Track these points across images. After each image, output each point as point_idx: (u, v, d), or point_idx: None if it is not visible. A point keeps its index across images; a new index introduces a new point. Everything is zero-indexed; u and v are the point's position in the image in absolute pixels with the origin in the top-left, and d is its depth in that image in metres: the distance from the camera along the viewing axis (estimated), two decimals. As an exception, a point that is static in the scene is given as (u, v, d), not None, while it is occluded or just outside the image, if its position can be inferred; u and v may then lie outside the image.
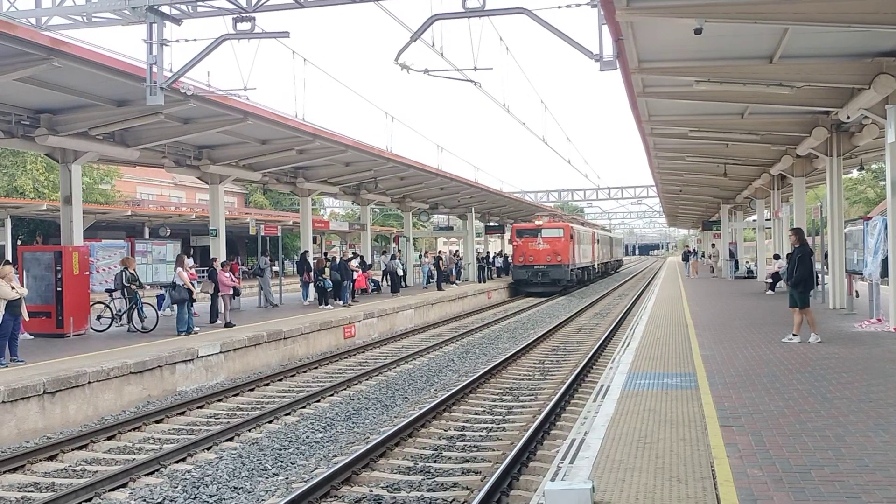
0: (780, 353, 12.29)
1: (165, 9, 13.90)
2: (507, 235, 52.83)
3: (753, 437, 7.13)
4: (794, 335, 13.39)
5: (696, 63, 15.13)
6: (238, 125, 19.31)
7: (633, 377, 10.53)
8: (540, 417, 11.36)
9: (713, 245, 49.44)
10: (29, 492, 9.16)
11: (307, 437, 11.40)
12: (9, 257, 27.56)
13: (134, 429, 12.06)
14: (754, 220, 40.18)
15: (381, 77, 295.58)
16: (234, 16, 13.95)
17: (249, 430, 11.76)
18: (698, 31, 11.64)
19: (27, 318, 14.75)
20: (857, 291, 19.72)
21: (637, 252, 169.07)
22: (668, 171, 34.12)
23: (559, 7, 14.11)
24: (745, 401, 8.71)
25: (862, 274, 16.85)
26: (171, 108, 16.39)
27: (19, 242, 36.23)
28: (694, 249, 62.96)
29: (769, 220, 33.48)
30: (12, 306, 13.67)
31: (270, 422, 12.34)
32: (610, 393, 9.56)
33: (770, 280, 27.16)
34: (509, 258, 50.08)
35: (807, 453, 6.56)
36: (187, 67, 14.65)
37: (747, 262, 41.84)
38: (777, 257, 28.11)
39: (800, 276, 13.29)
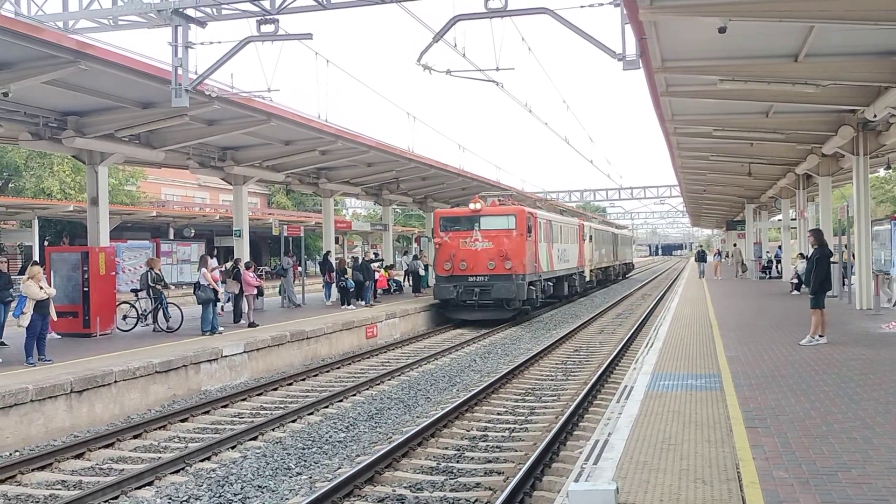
0: (805, 354, 12.17)
1: (190, 12, 14.04)
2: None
3: (779, 438, 7.08)
4: (821, 336, 13.25)
5: (720, 62, 15.03)
6: (262, 126, 19.44)
7: (656, 378, 10.48)
8: (563, 418, 11.32)
9: (735, 245, 48.64)
10: (57, 489, 9.27)
11: (330, 436, 11.44)
12: (36, 258, 27.96)
13: (159, 427, 12.17)
14: (779, 220, 39.83)
15: (403, 78, 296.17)
16: (258, 18, 14.05)
17: (273, 430, 11.83)
18: (722, 30, 11.56)
19: (55, 318, 14.93)
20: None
21: (660, 252, 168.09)
22: (692, 170, 33.91)
23: (581, 7, 14.08)
24: (771, 402, 8.64)
25: (889, 274, 16.65)
26: (195, 109, 16.53)
27: (46, 243, 36.72)
28: (718, 249, 58.67)
29: (794, 219, 33.16)
30: (40, 306, 13.84)
31: (294, 421, 12.40)
32: (633, 394, 9.52)
33: (795, 280, 26.91)
34: None
35: (834, 455, 6.49)
36: (212, 69, 14.77)
37: (768, 253, 41.06)
38: (803, 256, 27.85)
39: (817, 278, 13.18)
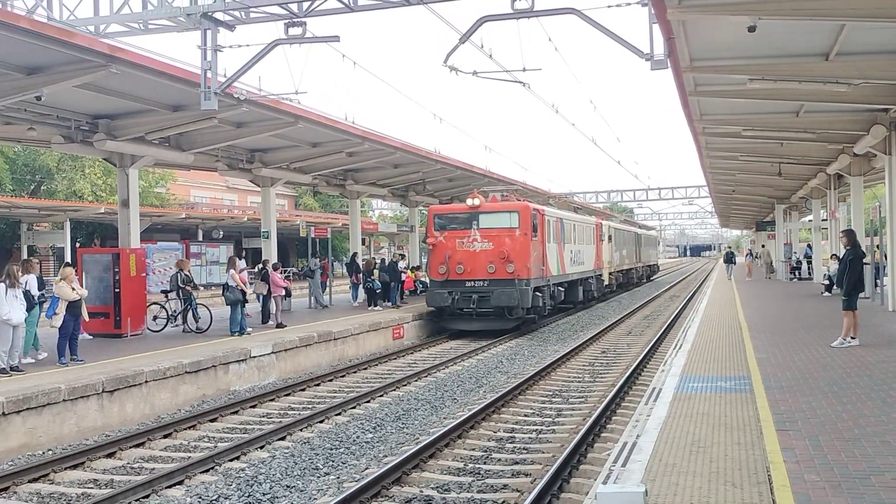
0: (837, 356, 12.01)
1: (219, 15, 14.16)
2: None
3: (811, 441, 7.00)
4: (853, 338, 13.07)
5: (749, 61, 14.89)
6: (289, 128, 19.59)
7: (685, 380, 10.41)
8: (590, 420, 11.27)
9: (763, 245, 47.95)
10: (89, 488, 9.40)
11: (357, 437, 11.49)
12: (68, 259, 28.37)
13: (189, 427, 12.29)
14: (810, 221, 39.34)
15: (429, 79, 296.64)
16: (286, 21, 14.15)
17: (301, 430, 11.90)
18: (752, 29, 11.46)
19: (87, 319, 15.13)
20: None
21: (688, 253, 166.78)
22: (721, 170, 33.61)
23: (609, 6, 14.00)
24: (802, 404, 8.55)
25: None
26: (224, 112, 16.69)
27: (78, 244, 37.25)
28: (750, 250, 56.78)
29: (825, 220, 32.75)
30: (73, 307, 14.04)
31: (321, 421, 12.47)
32: (662, 396, 9.46)
33: (827, 282, 26.60)
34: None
35: (866, 458, 6.41)
36: (240, 72, 14.89)
37: (795, 253, 40.36)
38: (836, 257, 27.52)
39: (849, 280, 13.02)
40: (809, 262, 37.84)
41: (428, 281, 25.27)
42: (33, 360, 14.23)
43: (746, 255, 50.21)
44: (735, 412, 8.33)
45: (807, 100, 16.93)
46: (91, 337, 17.23)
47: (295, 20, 14.06)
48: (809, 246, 39.70)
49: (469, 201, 23.47)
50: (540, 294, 23.73)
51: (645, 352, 18.22)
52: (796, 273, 37.85)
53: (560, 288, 26.79)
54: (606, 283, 37.00)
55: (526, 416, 12.73)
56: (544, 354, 19.45)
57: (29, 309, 13.99)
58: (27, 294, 14.01)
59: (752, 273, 42.89)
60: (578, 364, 17.88)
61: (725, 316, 19.60)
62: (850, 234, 13.75)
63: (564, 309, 29.85)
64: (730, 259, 44.57)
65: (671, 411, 8.48)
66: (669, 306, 33.95)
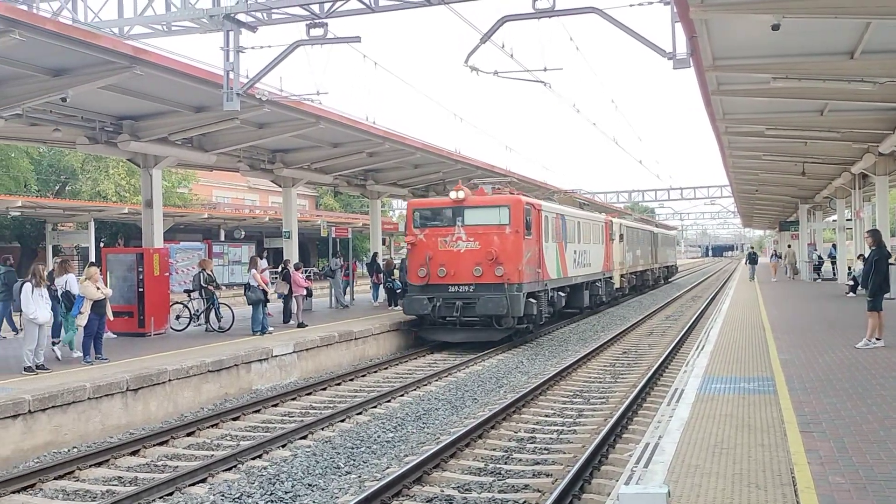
0: (862, 357, 11.89)
1: (242, 16, 14.27)
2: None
3: (835, 443, 6.94)
4: (878, 339, 12.93)
5: (772, 60, 14.78)
6: (310, 129, 19.68)
7: (707, 381, 10.34)
8: (612, 421, 11.23)
9: (788, 246, 47.36)
10: (113, 485, 9.50)
11: (378, 436, 11.52)
12: (92, 258, 28.65)
13: (212, 426, 12.38)
14: (834, 221, 38.94)
15: (450, 79, 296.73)
16: (307, 22, 14.22)
17: (322, 429, 11.95)
18: (776, 28, 11.38)
19: (111, 318, 15.28)
20: None
21: (710, 253, 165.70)
22: (744, 170, 33.36)
23: (630, 5, 13.94)
24: (826, 406, 8.47)
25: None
26: (246, 113, 16.79)
27: (102, 244, 37.61)
28: (775, 250, 55.33)
29: (850, 220, 32.42)
30: (97, 306, 14.18)
31: (343, 421, 12.51)
32: (684, 397, 9.41)
33: (851, 282, 26.34)
34: None
35: (892, 461, 6.34)
36: (262, 73, 14.99)
37: (817, 252, 39.77)
38: (862, 258, 27.25)
39: (875, 280, 12.88)
40: (833, 263, 37.44)
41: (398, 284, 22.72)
42: (71, 357, 14.45)
43: (771, 255, 49.15)
44: (758, 413, 8.27)
45: (831, 98, 16.78)
46: (115, 336, 17.40)
47: (316, 21, 14.13)
48: (834, 246, 39.25)
49: (452, 194, 20.73)
50: (535, 301, 21.03)
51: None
52: (818, 272, 37.40)
53: (561, 293, 24.14)
54: (617, 286, 34.34)
55: (547, 416, 12.71)
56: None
57: (69, 308, 14.22)
58: (67, 294, 14.30)
59: (777, 274, 42.22)
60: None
61: (748, 317, 19.45)
62: (875, 234, 13.61)
63: (570, 315, 27.53)
64: (753, 259, 43.50)
65: (694, 412, 8.43)
66: (686, 312, 31.36)
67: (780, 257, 44.32)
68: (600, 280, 29.98)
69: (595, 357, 18.77)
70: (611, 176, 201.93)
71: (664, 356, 17.49)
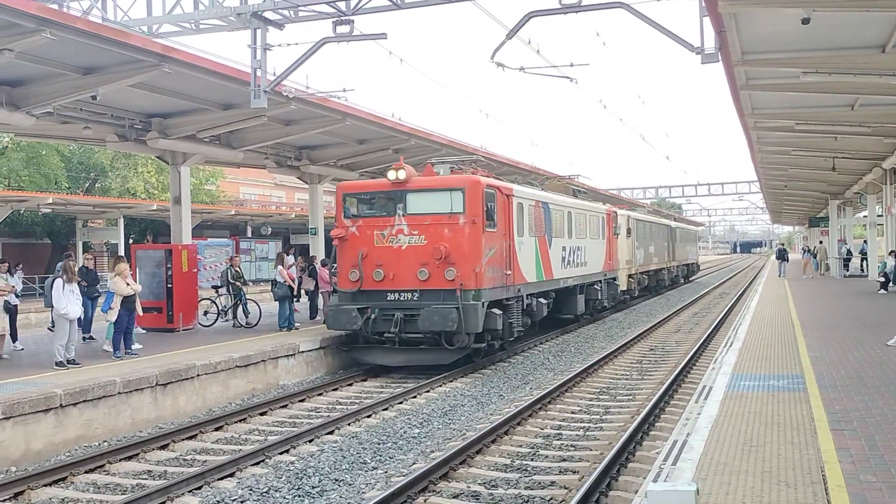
0: (894, 354, 11.74)
1: (269, 14, 14.36)
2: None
3: (866, 441, 6.86)
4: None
5: (802, 54, 14.60)
6: (337, 125, 19.76)
7: (736, 378, 10.26)
8: (639, 418, 11.17)
9: (820, 242, 46.62)
10: (143, 479, 9.61)
11: (405, 432, 11.55)
12: (122, 255, 28.95)
13: (240, 420, 12.48)
14: (865, 217, 38.43)
15: (475, 75, 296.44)
16: (334, 19, 14.28)
17: (349, 424, 12.01)
18: (806, 21, 11.25)
19: (141, 313, 15.45)
20: None
21: (738, 250, 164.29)
22: (773, 165, 33.02)
23: (658, 0, 13.87)
24: (857, 404, 8.37)
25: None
26: (273, 110, 16.89)
27: (131, 240, 38.06)
28: (807, 247, 53.73)
29: (881, 216, 31.97)
30: (127, 302, 14.36)
31: (369, 416, 12.56)
32: (713, 394, 9.34)
33: (882, 279, 26.00)
34: None
35: (926, 460, 6.26)
36: (289, 70, 15.07)
37: (847, 246, 39.03)
38: (893, 254, 26.88)
39: None
40: (863, 259, 36.93)
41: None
42: (109, 349, 14.74)
43: (804, 251, 48.01)
44: (788, 411, 8.19)
45: (862, 93, 16.56)
46: (145, 331, 17.59)
47: (343, 18, 14.20)
48: (865, 242, 38.70)
49: (391, 174, 16.26)
50: (500, 312, 16.52)
51: (696, 346, 17.97)
52: (847, 266, 36.80)
53: (542, 299, 19.57)
54: (624, 287, 29.95)
55: (573, 413, 12.68)
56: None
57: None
58: None
59: (808, 270, 41.28)
60: (626, 362, 17.70)
61: (777, 314, 19.26)
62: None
63: (565, 322, 23.35)
64: (782, 256, 42.27)
65: (722, 410, 8.37)
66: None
67: (813, 254, 43.51)
68: (600, 282, 25.63)
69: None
70: (638, 172, 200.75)
71: (692, 353, 17.31)
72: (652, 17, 13.22)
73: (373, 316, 15.92)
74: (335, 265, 17.87)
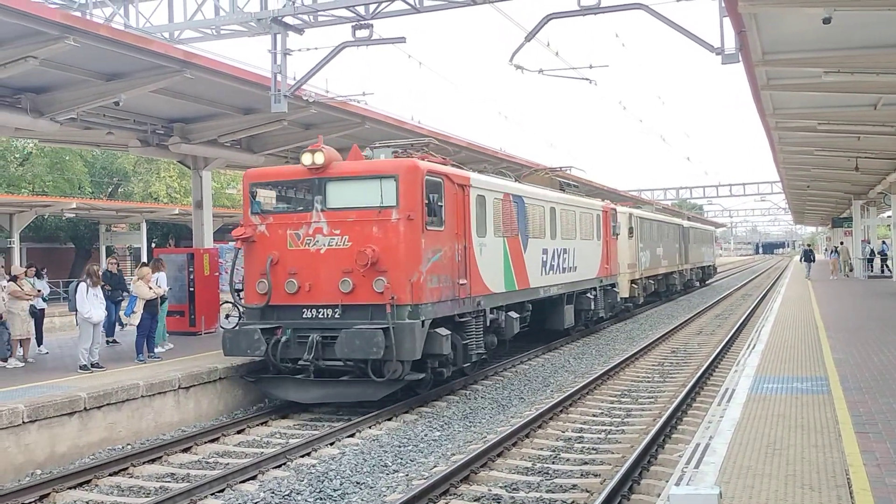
0: (920, 357, 11.60)
1: (289, 19, 14.46)
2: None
3: (892, 444, 6.78)
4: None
5: (824, 53, 14.45)
6: (356, 129, 19.81)
7: (759, 380, 10.18)
8: (661, 421, 11.12)
9: (841, 243, 46.05)
10: (166, 482, 9.69)
11: (425, 435, 11.56)
12: (144, 259, 29.20)
13: (261, 424, 12.54)
14: (889, 217, 38.00)
15: (494, 77, 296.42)
16: (353, 23, 14.36)
17: (370, 427, 12.03)
18: (827, 21, 11.14)
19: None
20: None
21: (761, 251, 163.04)
22: (795, 166, 32.71)
23: (677, 0, 13.81)
24: (882, 406, 8.28)
25: None
26: (293, 114, 16.99)
27: (153, 245, 38.37)
28: (834, 247, 52.57)
29: (905, 216, 31.63)
30: (150, 305, 14.49)
31: (390, 419, 12.58)
32: (735, 397, 9.27)
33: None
34: None
35: (952, 464, 6.18)
36: (309, 75, 15.16)
37: (869, 244, 38.39)
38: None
39: None
40: (885, 260, 36.49)
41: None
42: (163, 350, 15.23)
43: (831, 251, 46.90)
44: (812, 414, 8.12)
45: (885, 92, 16.37)
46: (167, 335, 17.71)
47: (362, 22, 14.27)
48: (885, 242, 38.21)
49: (306, 157, 13.31)
50: (449, 332, 13.20)
51: (718, 349, 17.83)
52: (870, 265, 36.30)
53: (513, 313, 16.29)
54: (626, 294, 27.03)
55: (594, 415, 12.63)
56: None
57: (161, 303, 15.00)
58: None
59: (836, 271, 40.52)
60: (647, 364, 17.59)
61: (801, 315, 19.09)
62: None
63: (552, 337, 20.53)
64: (808, 257, 41.26)
65: (745, 412, 8.31)
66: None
67: (840, 254, 42.81)
68: (595, 289, 22.48)
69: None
70: (658, 173, 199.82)
71: (713, 355, 17.19)
72: (671, 17, 13.20)
73: (283, 338, 12.82)
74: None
